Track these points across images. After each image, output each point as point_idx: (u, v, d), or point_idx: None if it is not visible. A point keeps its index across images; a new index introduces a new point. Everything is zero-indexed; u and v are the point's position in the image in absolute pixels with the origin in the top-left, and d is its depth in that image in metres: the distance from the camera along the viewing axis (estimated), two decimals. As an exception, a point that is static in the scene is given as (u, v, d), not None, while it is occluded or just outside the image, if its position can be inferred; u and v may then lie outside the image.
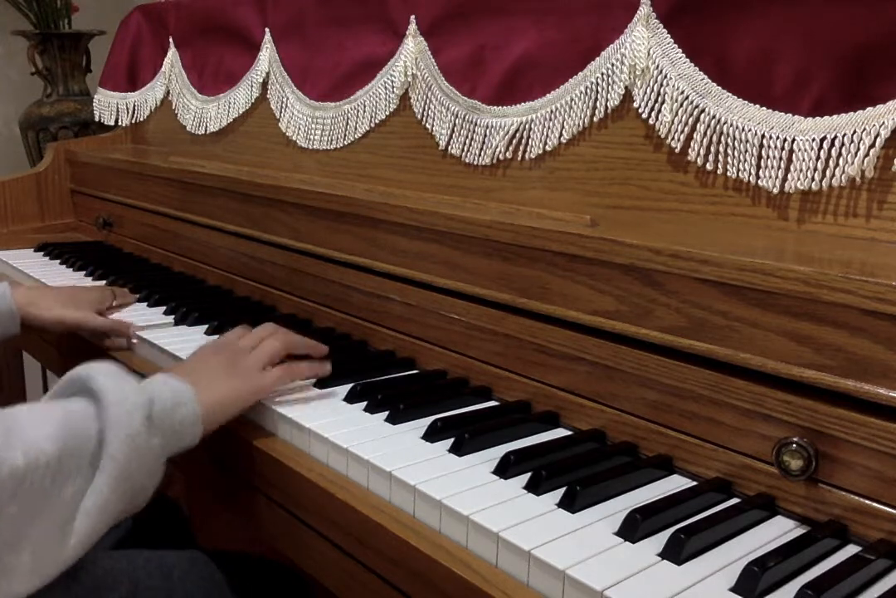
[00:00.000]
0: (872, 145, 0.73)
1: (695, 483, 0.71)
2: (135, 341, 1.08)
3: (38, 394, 1.93)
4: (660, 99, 0.88)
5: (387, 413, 0.83)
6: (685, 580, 0.57)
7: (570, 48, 0.97)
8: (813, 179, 0.77)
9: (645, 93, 0.90)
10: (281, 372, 0.86)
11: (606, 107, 0.94)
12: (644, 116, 0.90)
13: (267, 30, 1.46)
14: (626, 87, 0.92)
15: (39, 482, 0.59)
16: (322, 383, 0.90)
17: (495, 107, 1.06)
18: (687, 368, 0.72)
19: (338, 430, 0.78)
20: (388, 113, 1.23)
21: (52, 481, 0.60)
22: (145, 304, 1.24)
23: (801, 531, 0.64)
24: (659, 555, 0.60)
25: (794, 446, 0.65)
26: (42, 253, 1.64)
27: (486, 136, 1.07)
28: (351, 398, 0.87)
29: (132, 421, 0.66)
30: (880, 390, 0.61)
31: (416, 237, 0.98)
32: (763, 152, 0.81)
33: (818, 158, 0.76)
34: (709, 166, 0.85)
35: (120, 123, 1.92)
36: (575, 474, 0.70)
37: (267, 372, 0.85)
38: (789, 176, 0.79)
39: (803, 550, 0.60)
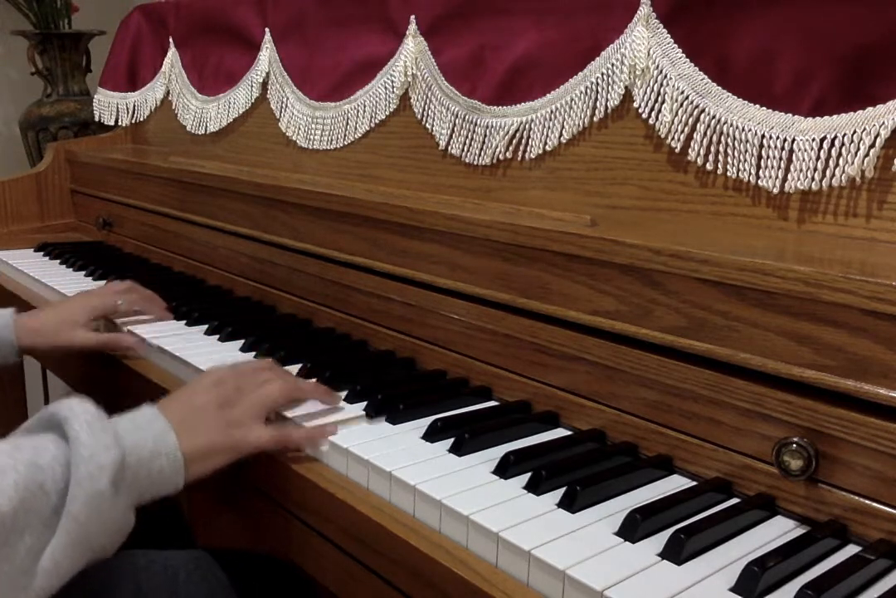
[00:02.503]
0: (872, 145, 0.73)
1: (695, 483, 0.71)
2: (149, 343, 1.06)
3: (38, 394, 1.93)
4: (660, 99, 0.88)
5: (387, 413, 0.83)
6: (685, 580, 0.57)
7: (570, 48, 0.97)
8: (813, 179, 0.77)
9: (645, 93, 0.90)
10: (268, 439, 0.77)
11: (606, 107, 0.94)
12: (644, 116, 0.90)
13: (267, 30, 1.46)
14: (626, 87, 0.92)
15: None
16: (322, 383, 0.90)
17: (495, 107, 1.06)
18: (687, 368, 0.72)
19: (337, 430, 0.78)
20: (388, 113, 1.23)
21: (6, 537, 0.59)
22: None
23: (801, 531, 0.64)
24: (659, 555, 0.60)
25: (794, 446, 0.65)
26: (42, 253, 1.64)
27: (486, 136, 1.07)
28: (351, 398, 0.87)
29: (99, 481, 0.63)
30: (880, 390, 0.61)
31: (416, 237, 0.98)
32: (763, 152, 0.81)
33: (818, 158, 0.76)
34: (709, 166, 0.85)
35: (120, 123, 1.92)
36: (575, 474, 0.70)
37: (258, 428, 0.77)
38: (789, 176, 0.79)
39: (803, 550, 0.60)
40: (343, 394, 0.88)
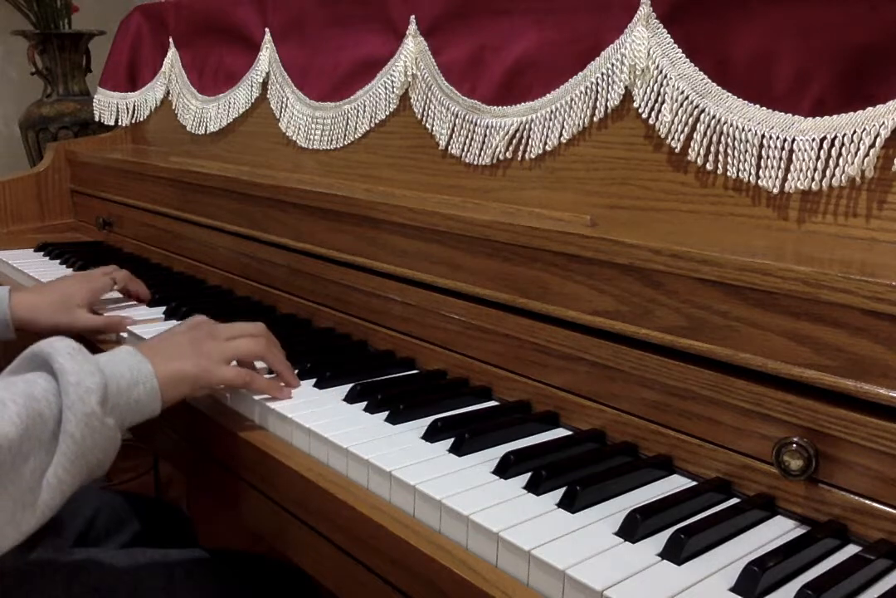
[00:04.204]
0: (872, 145, 0.73)
1: (695, 483, 0.71)
2: (124, 335, 1.09)
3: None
4: (660, 99, 0.88)
5: (387, 413, 0.83)
6: (685, 580, 0.57)
7: (570, 48, 0.97)
8: (813, 179, 0.77)
9: (645, 93, 0.90)
10: (238, 373, 0.84)
11: (606, 107, 0.94)
12: (644, 116, 0.90)
13: (267, 30, 1.46)
14: (626, 87, 0.91)
15: (1, 464, 0.62)
16: (322, 383, 0.90)
17: (495, 107, 1.06)
18: (687, 368, 0.72)
19: (338, 430, 0.78)
20: (388, 113, 1.23)
21: (13, 461, 0.63)
22: (145, 304, 1.24)
23: (801, 531, 0.64)
24: (659, 555, 0.60)
25: (794, 446, 0.65)
26: (42, 253, 1.64)
27: (486, 136, 1.07)
28: (351, 398, 0.87)
29: (88, 402, 0.68)
30: (880, 390, 0.61)
31: (416, 237, 0.98)
32: (763, 152, 0.81)
33: (818, 158, 0.76)
34: (709, 166, 0.85)
35: (120, 123, 1.92)
36: (575, 474, 0.70)
37: (225, 366, 0.83)
38: (789, 176, 0.79)
39: (803, 550, 0.60)
40: (343, 393, 0.88)
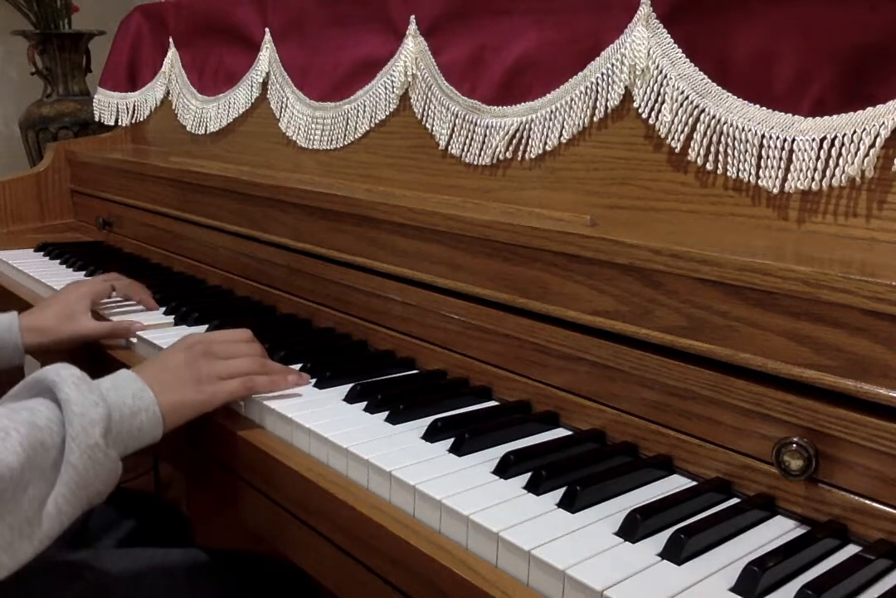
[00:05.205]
0: (872, 145, 0.73)
1: (695, 483, 0.71)
2: (134, 340, 1.08)
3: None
4: (660, 99, 0.88)
5: (387, 413, 0.83)
6: (685, 580, 0.57)
7: (570, 48, 0.97)
8: (813, 179, 0.77)
9: (645, 93, 0.90)
10: (241, 383, 0.84)
11: (606, 107, 0.94)
12: (644, 116, 0.90)
13: (267, 30, 1.46)
14: (626, 87, 0.92)
15: (1, 493, 0.62)
16: (322, 383, 0.90)
17: (495, 107, 1.06)
18: (687, 368, 0.72)
19: (338, 430, 0.78)
20: (388, 113, 1.23)
21: (14, 490, 0.63)
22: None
23: (801, 531, 0.64)
24: (659, 555, 0.60)
25: (794, 446, 0.65)
26: (42, 253, 1.64)
27: (486, 136, 1.07)
28: (351, 398, 0.87)
29: (92, 434, 0.69)
30: (880, 390, 0.61)
31: (416, 237, 0.98)
32: (763, 152, 0.81)
33: (818, 158, 0.76)
34: (709, 166, 0.85)
35: (120, 123, 1.92)
36: (575, 474, 0.70)
37: (225, 382, 0.83)
38: (789, 176, 0.79)
39: (803, 550, 0.60)
40: (343, 393, 0.88)
